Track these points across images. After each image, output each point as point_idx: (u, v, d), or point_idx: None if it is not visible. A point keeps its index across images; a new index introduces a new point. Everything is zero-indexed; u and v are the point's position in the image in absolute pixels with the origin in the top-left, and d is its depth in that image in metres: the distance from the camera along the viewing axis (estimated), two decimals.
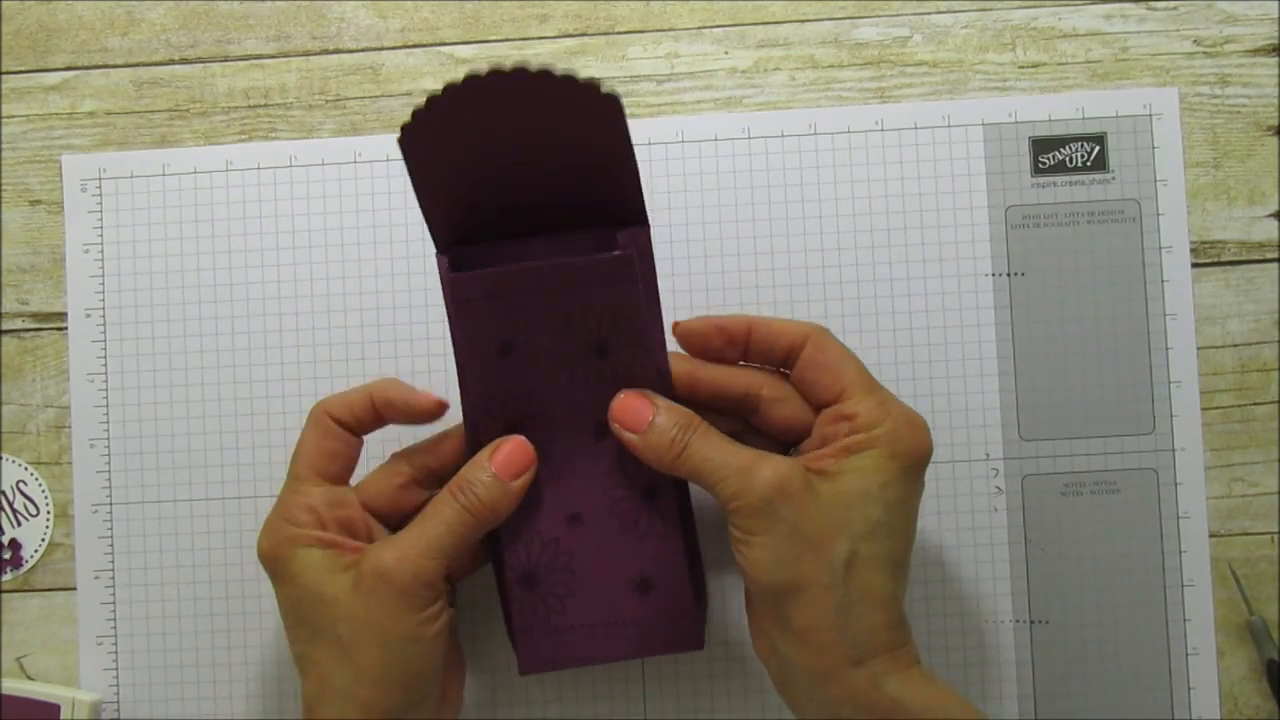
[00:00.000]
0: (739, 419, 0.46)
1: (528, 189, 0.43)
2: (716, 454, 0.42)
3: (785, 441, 0.46)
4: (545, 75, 0.39)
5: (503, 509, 0.43)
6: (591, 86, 0.40)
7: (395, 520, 0.46)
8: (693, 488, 0.46)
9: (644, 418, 0.43)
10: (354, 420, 0.45)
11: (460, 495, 0.43)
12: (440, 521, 0.43)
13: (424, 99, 0.40)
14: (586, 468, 0.45)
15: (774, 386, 0.45)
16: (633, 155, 0.42)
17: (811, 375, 0.44)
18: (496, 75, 0.39)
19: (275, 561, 0.44)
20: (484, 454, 0.44)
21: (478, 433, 0.44)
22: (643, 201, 0.44)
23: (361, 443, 0.46)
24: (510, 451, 0.44)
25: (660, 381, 0.44)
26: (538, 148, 0.42)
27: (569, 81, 0.40)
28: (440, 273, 0.43)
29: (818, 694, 0.41)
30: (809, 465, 0.42)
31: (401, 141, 0.41)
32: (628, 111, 0.40)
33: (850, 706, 0.41)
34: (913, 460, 0.42)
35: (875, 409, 0.42)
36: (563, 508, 0.45)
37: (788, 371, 0.45)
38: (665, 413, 0.43)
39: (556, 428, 0.44)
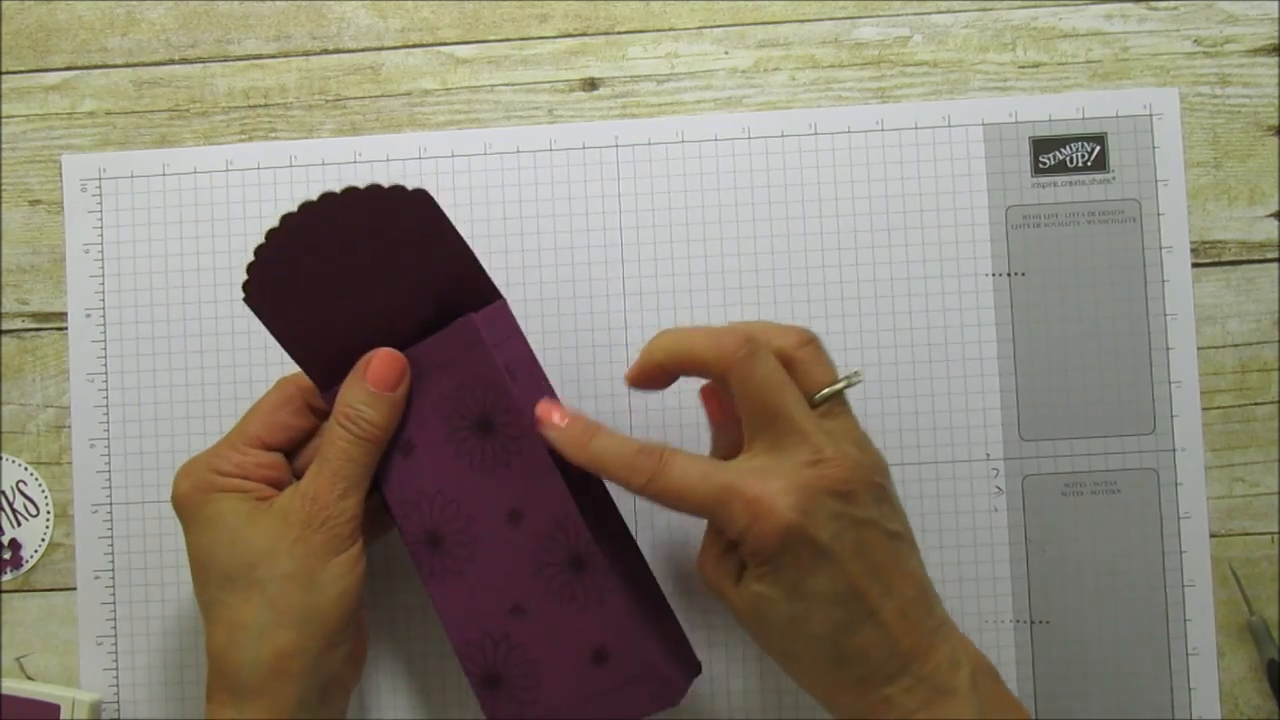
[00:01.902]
0: None
1: (379, 305, 0.44)
2: (628, 443, 0.42)
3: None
4: (351, 192, 0.42)
5: (391, 422, 0.44)
6: (397, 191, 0.42)
7: (285, 446, 0.46)
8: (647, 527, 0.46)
9: (550, 410, 0.43)
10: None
11: (348, 424, 0.43)
12: (339, 453, 0.43)
13: (252, 251, 0.42)
14: (512, 557, 0.44)
15: (737, 370, 0.43)
16: (459, 240, 0.44)
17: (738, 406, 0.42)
18: (306, 206, 0.42)
19: (192, 505, 0.44)
20: (355, 373, 0.44)
21: (408, 546, 0.45)
22: (487, 280, 0.45)
23: (316, 424, 0.46)
24: (379, 364, 0.44)
25: (550, 450, 0.44)
26: (376, 261, 0.44)
27: (375, 191, 0.42)
28: (323, 398, 0.45)
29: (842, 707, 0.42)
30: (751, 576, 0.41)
31: (246, 299, 0.43)
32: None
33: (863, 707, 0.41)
34: (773, 546, 0.39)
35: (737, 519, 0.40)
36: (504, 602, 0.44)
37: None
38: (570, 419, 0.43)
39: (475, 523, 0.44)
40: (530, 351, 0.46)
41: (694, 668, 0.48)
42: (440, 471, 0.44)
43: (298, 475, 0.46)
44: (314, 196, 0.42)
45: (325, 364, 0.45)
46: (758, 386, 0.41)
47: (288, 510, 0.43)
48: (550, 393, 0.46)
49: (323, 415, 0.46)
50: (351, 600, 0.43)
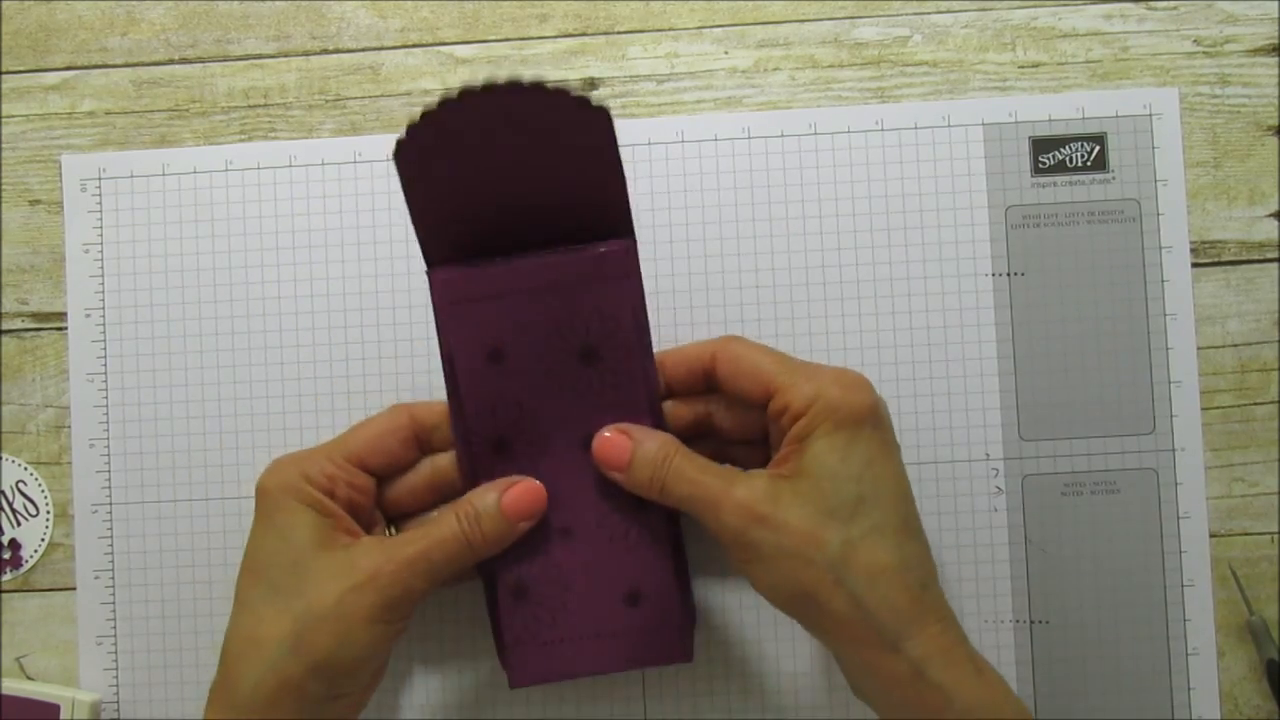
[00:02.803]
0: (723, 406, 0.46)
1: (517, 202, 0.43)
2: (691, 488, 0.42)
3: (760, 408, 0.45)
4: (538, 88, 0.40)
5: (502, 546, 0.43)
6: (583, 100, 0.40)
7: (382, 472, 0.45)
8: None
9: (624, 457, 0.43)
10: (436, 425, 0.45)
11: (464, 522, 0.43)
12: (439, 543, 0.42)
13: (419, 113, 0.40)
14: (576, 481, 0.44)
15: (723, 349, 0.45)
16: (621, 170, 0.42)
17: (734, 384, 0.44)
18: (491, 88, 0.40)
19: (269, 503, 0.43)
20: (496, 487, 0.43)
21: (469, 445, 0.44)
22: (630, 216, 0.44)
23: (416, 461, 0.45)
24: (522, 493, 0.43)
25: (647, 389, 0.44)
26: (528, 161, 0.42)
27: (561, 95, 0.40)
28: (429, 278, 0.44)
29: (869, 684, 0.41)
30: (774, 473, 0.42)
31: (396, 156, 0.41)
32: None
33: (899, 697, 0.40)
34: (860, 419, 0.41)
35: (803, 389, 0.42)
36: (554, 521, 0.44)
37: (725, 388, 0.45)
38: (642, 447, 0.43)
39: (546, 441, 0.44)
40: (644, 298, 0.45)
41: (695, 620, 0.48)
42: (526, 386, 0.44)
43: (382, 506, 0.45)
44: (496, 80, 0.40)
45: (445, 242, 0.43)
46: (749, 348, 0.44)
47: (358, 560, 0.42)
48: (649, 343, 0.45)
49: (427, 450, 0.45)
50: (375, 663, 0.43)
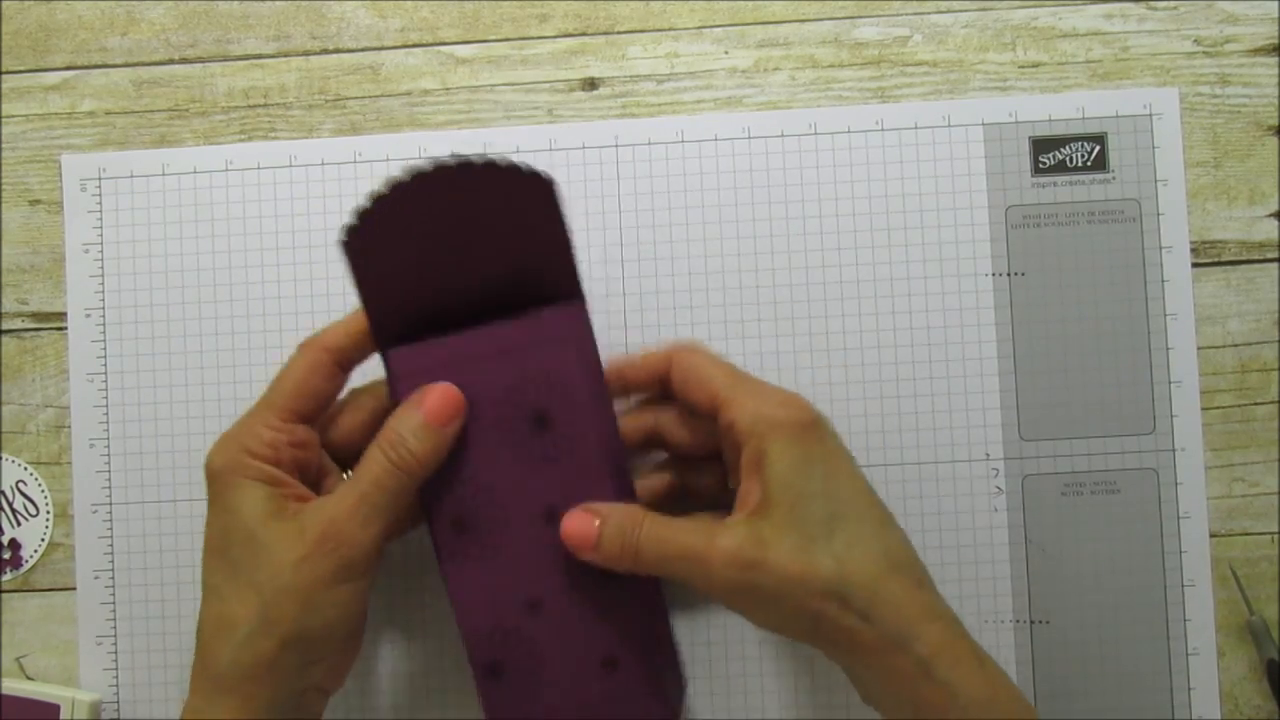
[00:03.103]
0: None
1: (467, 277, 0.44)
2: (670, 548, 0.42)
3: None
4: (487, 165, 0.42)
5: (434, 459, 0.43)
6: (529, 172, 0.42)
7: (317, 415, 0.45)
8: None
9: (590, 537, 0.43)
10: (352, 344, 0.44)
11: (390, 450, 0.42)
12: (373, 482, 0.42)
13: (366, 199, 0.42)
14: (541, 553, 0.44)
15: (678, 358, 0.45)
16: (568, 235, 0.44)
17: (685, 394, 0.44)
18: (440, 169, 0.42)
19: (219, 485, 0.43)
20: (410, 402, 0.43)
21: (431, 525, 0.44)
22: (578, 279, 0.44)
23: (345, 384, 0.45)
24: (439, 396, 0.43)
25: (607, 453, 0.44)
26: (477, 235, 0.43)
27: (508, 169, 0.42)
28: (385, 358, 0.44)
29: (882, 691, 0.42)
30: (747, 515, 0.42)
31: (345, 245, 0.42)
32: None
33: (907, 696, 0.41)
34: (806, 430, 0.42)
35: (747, 405, 0.42)
36: (521, 596, 0.44)
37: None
38: (609, 522, 0.43)
39: (507, 515, 0.44)
40: (598, 359, 0.45)
41: (684, 684, 0.48)
42: (480, 457, 0.44)
43: (328, 447, 0.45)
44: (446, 160, 0.41)
45: (396, 322, 0.44)
46: (701, 359, 0.44)
47: (307, 524, 0.42)
48: (606, 404, 0.45)
49: (352, 363, 0.45)
50: (346, 626, 0.42)
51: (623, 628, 0.44)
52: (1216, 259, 0.51)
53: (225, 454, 0.43)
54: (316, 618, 0.41)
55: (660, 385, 0.46)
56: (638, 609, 0.44)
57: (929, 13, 0.52)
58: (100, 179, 0.53)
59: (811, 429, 0.42)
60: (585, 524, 0.43)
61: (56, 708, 0.50)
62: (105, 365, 0.52)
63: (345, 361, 0.44)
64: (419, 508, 0.45)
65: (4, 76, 0.53)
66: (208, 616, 0.43)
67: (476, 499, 0.44)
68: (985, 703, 0.40)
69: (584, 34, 0.52)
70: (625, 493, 0.44)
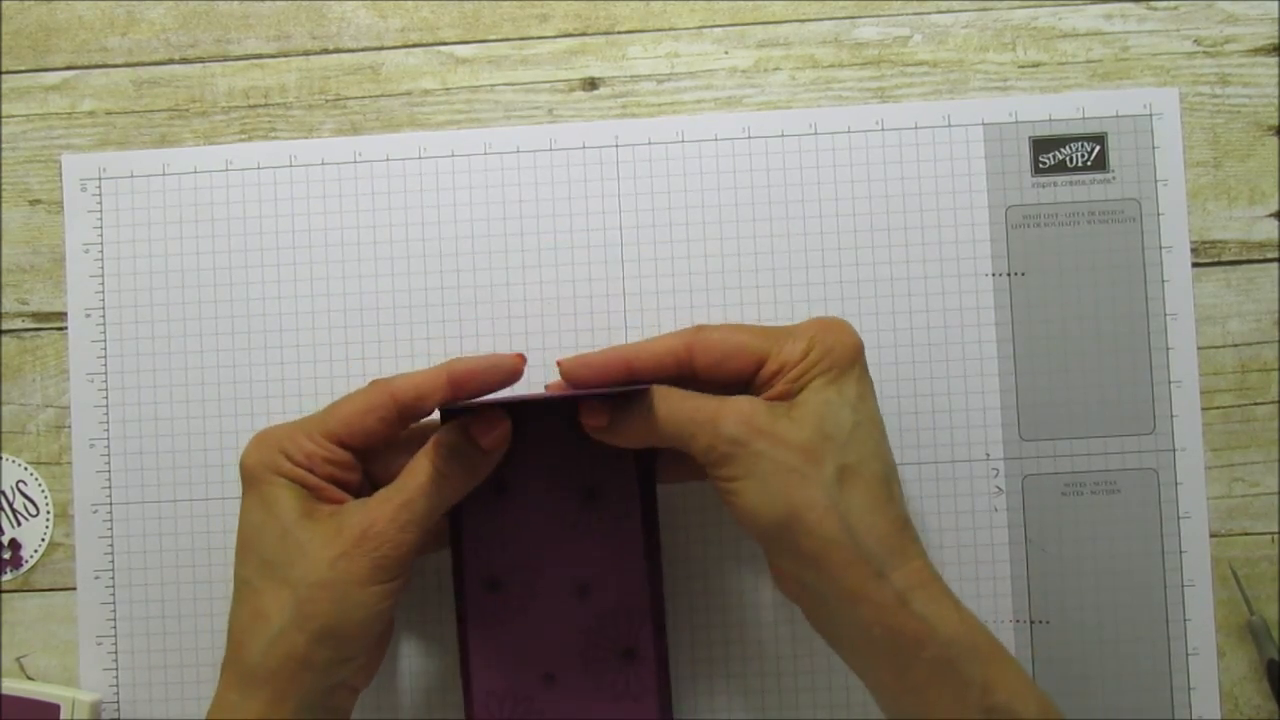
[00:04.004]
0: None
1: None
2: (681, 410, 0.42)
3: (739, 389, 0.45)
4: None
5: (477, 476, 0.43)
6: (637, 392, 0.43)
7: (362, 448, 0.45)
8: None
9: (603, 412, 0.43)
10: (417, 401, 0.44)
11: (440, 461, 0.43)
12: (419, 488, 0.42)
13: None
14: (565, 627, 0.44)
15: (698, 340, 0.45)
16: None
17: (720, 369, 0.44)
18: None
19: (252, 481, 0.43)
20: (461, 421, 0.43)
21: (462, 582, 0.44)
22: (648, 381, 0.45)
23: (398, 433, 0.45)
24: (488, 421, 0.43)
25: (645, 536, 0.44)
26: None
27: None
28: (442, 414, 0.44)
29: (849, 616, 0.41)
30: (770, 398, 0.43)
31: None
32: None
33: (880, 627, 0.41)
34: (854, 360, 0.43)
35: (795, 346, 0.43)
36: (539, 666, 0.44)
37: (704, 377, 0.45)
38: (623, 408, 0.43)
39: (539, 583, 0.44)
40: (653, 451, 0.45)
41: None
42: (526, 520, 0.44)
43: (370, 478, 0.45)
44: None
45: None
46: (723, 332, 0.44)
47: (344, 523, 0.42)
48: (653, 485, 0.45)
49: (409, 420, 0.45)
50: (378, 625, 0.43)
51: (639, 715, 0.44)
52: (1217, 259, 0.51)
53: (262, 452, 0.44)
54: (350, 615, 0.42)
55: (671, 372, 0.45)
56: (651, 703, 0.45)
57: (929, 13, 0.52)
58: (100, 179, 0.53)
59: (857, 357, 0.43)
60: (596, 411, 0.43)
61: (56, 708, 0.50)
62: (105, 365, 0.52)
63: (406, 414, 0.44)
64: (442, 532, 0.45)
65: (4, 76, 0.53)
66: (240, 611, 0.43)
67: (514, 562, 0.44)
68: (965, 641, 0.41)
69: (584, 34, 0.52)
70: (656, 574, 0.45)
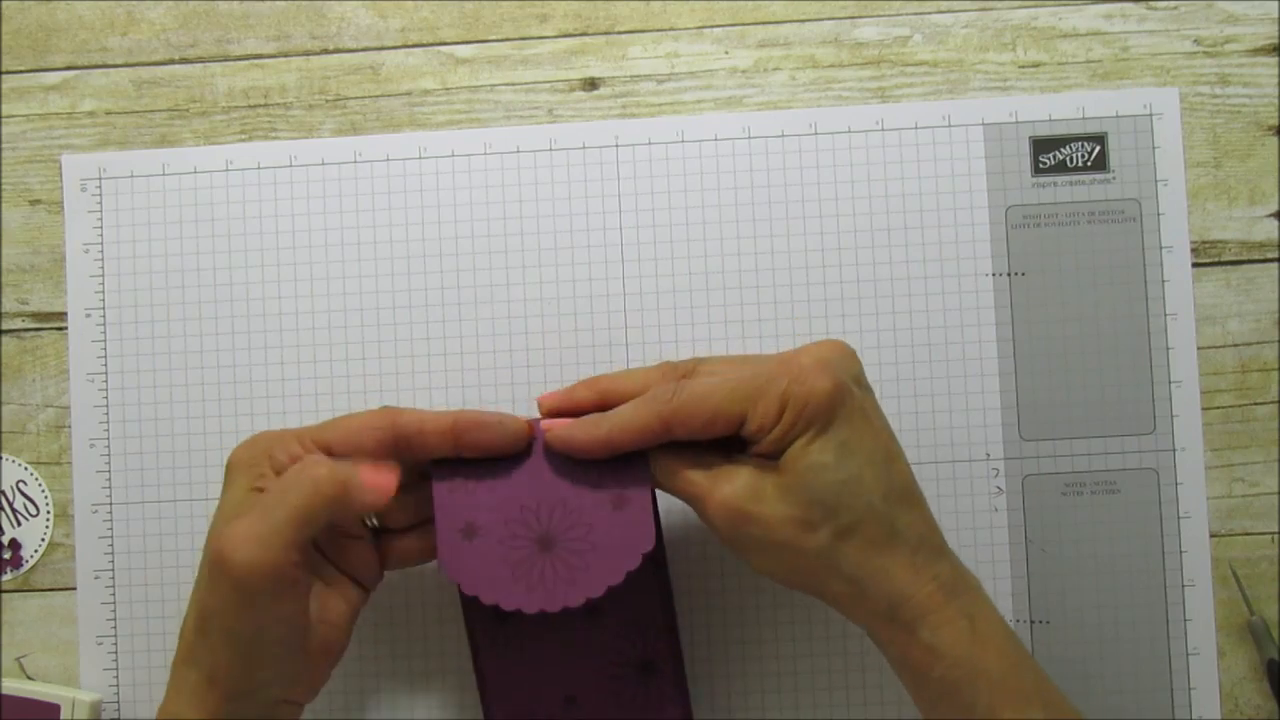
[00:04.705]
0: None
1: None
2: (675, 483, 0.43)
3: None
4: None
5: (334, 513, 0.41)
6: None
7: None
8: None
9: (599, 447, 0.43)
10: (416, 432, 0.43)
11: (307, 479, 0.41)
12: (283, 506, 0.40)
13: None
14: (581, 648, 0.45)
15: (672, 415, 0.43)
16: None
17: (700, 437, 0.43)
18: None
19: (233, 473, 0.43)
20: (364, 464, 0.42)
21: (478, 610, 0.44)
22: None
23: (396, 473, 0.43)
24: (379, 470, 0.42)
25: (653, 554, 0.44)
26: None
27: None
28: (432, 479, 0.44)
29: (875, 642, 0.43)
30: (757, 464, 0.42)
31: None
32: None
33: (894, 655, 0.42)
34: (828, 411, 0.41)
35: (769, 408, 0.41)
36: (559, 689, 0.45)
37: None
38: (624, 432, 0.43)
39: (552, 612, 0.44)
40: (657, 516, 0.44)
41: None
42: None
43: (335, 449, 0.44)
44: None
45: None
46: (698, 403, 0.42)
47: (215, 553, 0.40)
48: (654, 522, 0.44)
49: (404, 455, 0.43)
50: (279, 633, 0.41)
51: None
52: (1217, 259, 0.51)
53: (249, 450, 0.43)
54: (248, 621, 0.40)
55: (648, 445, 0.43)
56: (678, 712, 0.45)
57: (929, 13, 0.52)
58: (100, 179, 0.53)
59: (834, 399, 0.41)
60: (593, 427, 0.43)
61: (56, 708, 0.50)
62: (105, 365, 0.52)
63: (403, 442, 0.43)
64: (427, 548, 0.44)
65: (4, 76, 0.53)
66: (194, 598, 0.42)
67: None
68: (966, 660, 0.41)
69: (584, 34, 0.52)
70: (665, 585, 0.45)
